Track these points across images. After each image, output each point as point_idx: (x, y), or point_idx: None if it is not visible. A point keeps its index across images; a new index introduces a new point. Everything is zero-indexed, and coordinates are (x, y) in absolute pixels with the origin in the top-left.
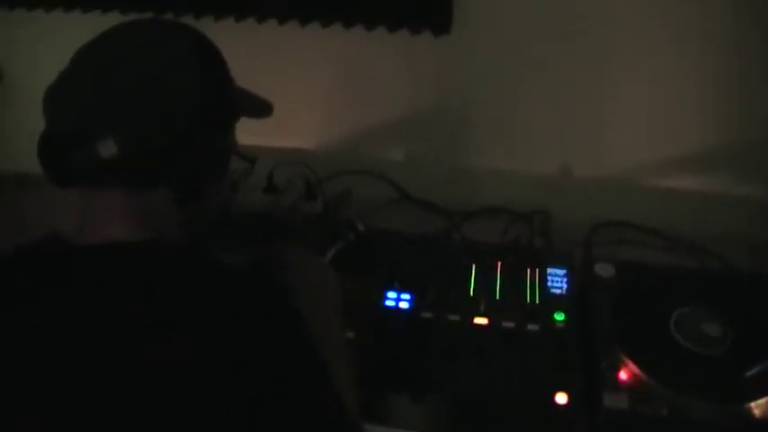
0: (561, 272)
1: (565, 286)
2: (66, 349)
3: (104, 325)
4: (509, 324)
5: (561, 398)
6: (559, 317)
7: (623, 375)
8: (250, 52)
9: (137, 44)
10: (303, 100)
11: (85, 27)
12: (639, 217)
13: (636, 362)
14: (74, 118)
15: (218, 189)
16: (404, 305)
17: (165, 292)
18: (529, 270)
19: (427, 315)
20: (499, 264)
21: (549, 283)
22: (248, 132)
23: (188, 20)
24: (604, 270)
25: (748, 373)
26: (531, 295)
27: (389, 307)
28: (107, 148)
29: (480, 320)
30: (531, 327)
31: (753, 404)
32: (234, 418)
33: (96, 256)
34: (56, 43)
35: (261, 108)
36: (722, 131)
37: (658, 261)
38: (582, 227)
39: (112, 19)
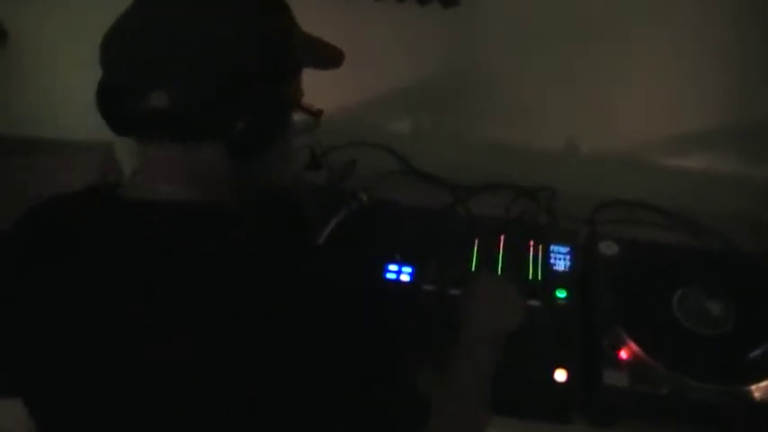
0: (564, 249)
1: (568, 263)
2: (104, 308)
3: (141, 289)
4: None
5: (561, 374)
6: (561, 294)
7: (624, 354)
8: None
9: None
10: (308, 70)
11: None
12: (644, 196)
13: (637, 340)
14: (126, 66)
15: (280, 148)
16: (405, 278)
17: (218, 259)
18: (532, 246)
19: (428, 288)
20: (502, 238)
21: (552, 260)
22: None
23: None
24: (608, 248)
25: (751, 355)
26: (534, 271)
27: (390, 279)
28: (158, 99)
29: None
30: (532, 303)
31: (753, 387)
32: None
33: (137, 214)
34: (61, 3)
35: (328, 58)
36: (728, 111)
37: (662, 240)
38: (587, 204)
39: None
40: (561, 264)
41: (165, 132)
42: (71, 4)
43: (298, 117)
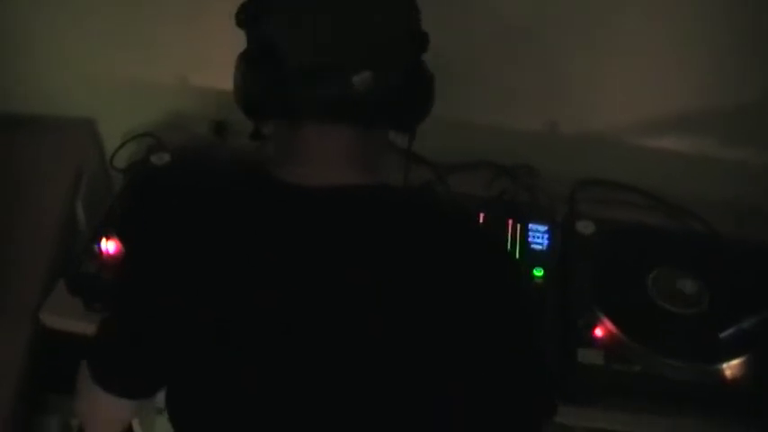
0: (543, 228)
1: (546, 242)
2: (285, 301)
3: (336, 277)
4: None
5: None
6: (538, 272)
7: (599, 332)
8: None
9: None
10: None
11: None
12: (625, 176)
13: (612, 319)
14: (322, 47)
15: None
16: None
17: (401, 241)
18: (510, 224)
19: None
20: (481, 216)
21: (531, 239)
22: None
23: None
24: (585, 227)
25: (722, 335)
26: (512, 250)
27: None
28: (363, 82)
29: None
30: None
31: (725, 365)
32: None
33: (326, 201)
34: None
35: None
36: (711, 94)
37: (642, 221)
38: (566, 184)
39: None
40: (539, 243)
41: (354, 116)
42: None
43: None
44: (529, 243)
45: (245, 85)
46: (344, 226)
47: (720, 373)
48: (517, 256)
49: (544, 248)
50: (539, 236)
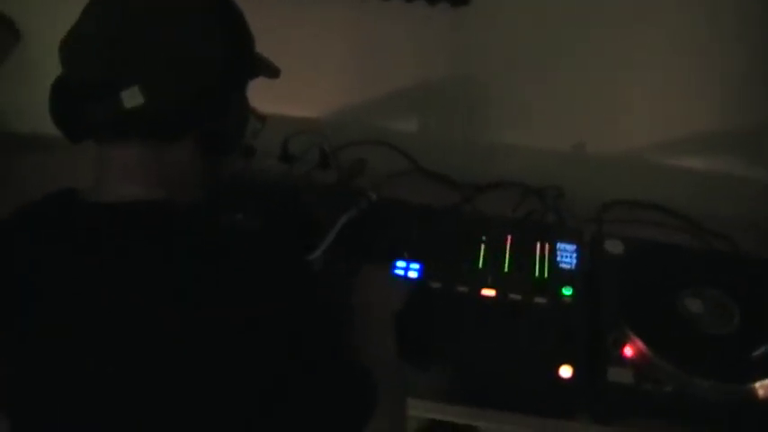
0: (571, 247)
1: (574, 261)
2: (66, 313)
3: (115, 289)
4: (516, 296)
5: (566, 371)
6: (567, 291)
7: (628, 351)
8: (265, 22)
9: None
10: (318, 70)
11: None
12: (651, 196)
13: (642, 338)
14: (96, 65)
15: (238, 145)
16: (413, 274)
17: (179, 256)
18: (539, 244)
19: (436, 285)
20: (509, 237)
21: (559, 258)
22: (264, 100)
23: None
24: (614, 247)
25: (754, 353)
26: (540, 269)
27: (398, 276)
28: (132, 97)
29: (488, 292)
30: (538, 300)
31: (757, 384)
32: (246, 377)
33: (112, 216)
34: (73, 2)
35: (272, 69)
36: (735, 113)
37: (666, 240)
38: (593, 204)
39: None
40: (567, 262)
41: (136, 131)
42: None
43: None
44: (557, 263)
45: (50, 108)
46: (118, 242)
47: (752, 393)
48: (546, 275)
49: (573, 268)
50: (567, 255)
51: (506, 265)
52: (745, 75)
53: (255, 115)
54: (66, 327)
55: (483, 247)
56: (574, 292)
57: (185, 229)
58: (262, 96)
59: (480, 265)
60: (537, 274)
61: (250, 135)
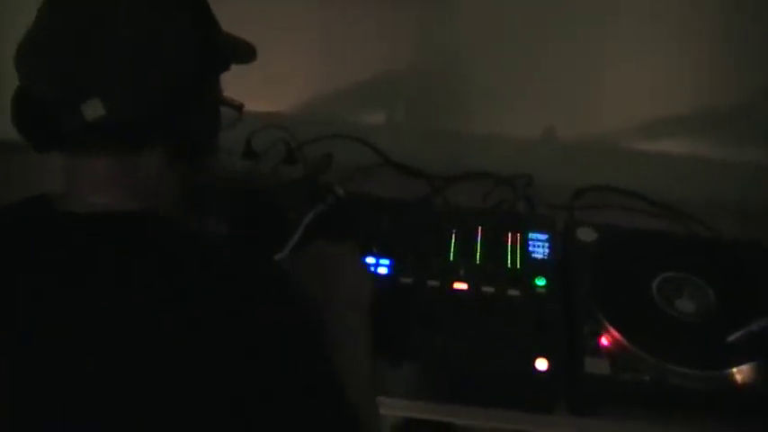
0: (543, 237)
1: (546, 251)
2: (37, 325)
3: (83, 302)
4: (489, 289)
5: (542, 363)
6: (540, 282)
7: (605, 341)
8: (226, 12)
9: None
10: (283, 63)
11: None
12: (624, 181)
13: (617, 327)
14: (54, 77)
15: (213, 145)
16: (383, 270)
17: (151, 269)
18: (510, 235)
19: (406, 281)
20: (480, 228)
21: (531, 248)
22: (226, 94)
23: None
24: (586, 234)
25: (730, 338)
26: (513, 260)
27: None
28: (93, 110)
29: (460, 285)
30: (511, 292)
31: (735, 370)
32: (224, 396)
33: (81, 227)
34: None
35: (246, 53)
36: (712, 96)
37: (643, 226)
38: (565, 191)
39: None
40: (540, 252)
41: (101, 143)
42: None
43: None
44: (530, 253)
45: (12, 119)
46: (92, 252)
47: (731, 379)
48: (518, 266)
49: (545, 257)
50: (539, 245)
51: (478, 257)
52: (721, 56)
53: (231, 104)
54: (39, 335)
55: (454, 239)
56: (547, 282)
57: (156, 240)
58: (224, 91)
59: (452, 258)
60: (509, 265)
61: (227, 127)
